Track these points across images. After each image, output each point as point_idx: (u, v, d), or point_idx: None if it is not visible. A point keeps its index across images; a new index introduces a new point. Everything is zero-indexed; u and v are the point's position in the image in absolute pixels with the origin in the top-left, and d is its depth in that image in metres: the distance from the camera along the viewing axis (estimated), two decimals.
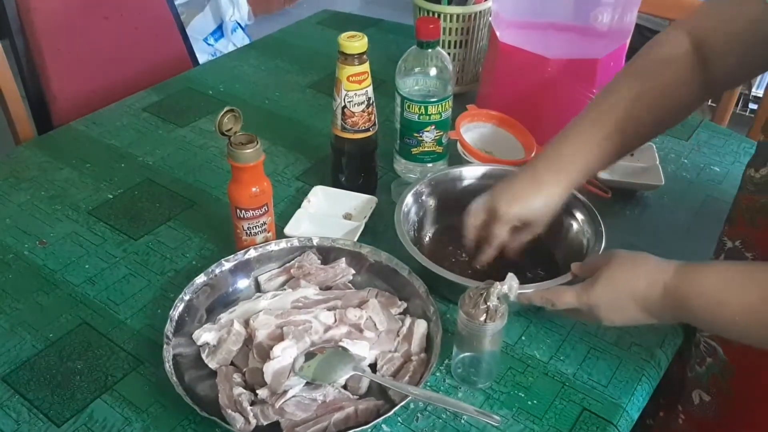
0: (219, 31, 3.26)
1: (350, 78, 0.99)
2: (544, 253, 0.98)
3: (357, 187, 1.08)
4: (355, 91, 1.00)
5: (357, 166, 1.08)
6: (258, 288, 0.92)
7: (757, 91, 2.69)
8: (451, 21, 1.26)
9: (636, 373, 0.84)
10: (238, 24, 3.29)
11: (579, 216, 0.96)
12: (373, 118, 1.04)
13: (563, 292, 0.80)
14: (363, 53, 0.98)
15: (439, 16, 1.26)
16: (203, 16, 3.19)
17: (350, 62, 0.99)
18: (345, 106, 1.02)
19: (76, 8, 1.54)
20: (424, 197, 1.01)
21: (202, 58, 2.55)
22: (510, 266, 0.94)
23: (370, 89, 1.01)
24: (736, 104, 2.39)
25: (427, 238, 1.02)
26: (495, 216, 0.88)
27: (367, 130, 1.04)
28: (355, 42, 0.98)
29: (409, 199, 0.98)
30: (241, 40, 3.27)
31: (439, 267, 0.87)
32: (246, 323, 0.84)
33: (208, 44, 3.20)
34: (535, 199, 0.87)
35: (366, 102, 1.02)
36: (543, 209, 0.88)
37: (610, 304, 0.77)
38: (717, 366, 0.87)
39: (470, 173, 1.03)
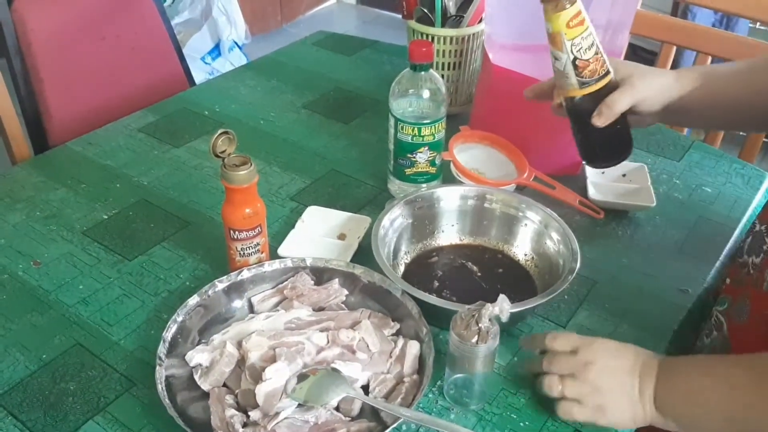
0: (216, 50, 3.27)
1: (570, 24, 0.86)
2: (521, 275, 1.00)
3: (617, 154, 0.98)
4: (581, 34, 0.87)
5: (613, 123, 0.93)
6: (251, 309, 0.92)
7: None
8: (444, 43, 1.27)
9: None
10: (235, 43, 3.31)
11: (555, 236, 0.97)
12: (605, 58, 0.91)
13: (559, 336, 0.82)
14: None
15: (432, 38, 1.27)
16: (200, 35, 3.20)
17: (561, 6, 0.86)
18: (576, 58, 0.88)
19: (73, 29, 1.56)
20: (401, 219, 1.02)
21: (199, 76, 2.57)
22: (488, 289, 0.97)
23: (592, 27, 0.88)
24: None
25: (408, 260, 1.03)
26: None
27: (607, 72, 0.91)
28: None
29: (386, 221, 0.99)
30: (238, 59, 3.28)
31: (422, 292, 0.88)
32: (239, 344, 0.84)
33: (206, 63, 3.22)
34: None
35: (594, 43, 0.89)
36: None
37: (610, 352, 0.79)
38: (719, 340, 0.88)
39: (445, 194, 1.04)
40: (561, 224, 0.97)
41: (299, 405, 0.77)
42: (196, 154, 1.28)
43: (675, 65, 1.70)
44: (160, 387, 0.77)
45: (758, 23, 2.46)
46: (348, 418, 0.78)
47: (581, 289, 0.97)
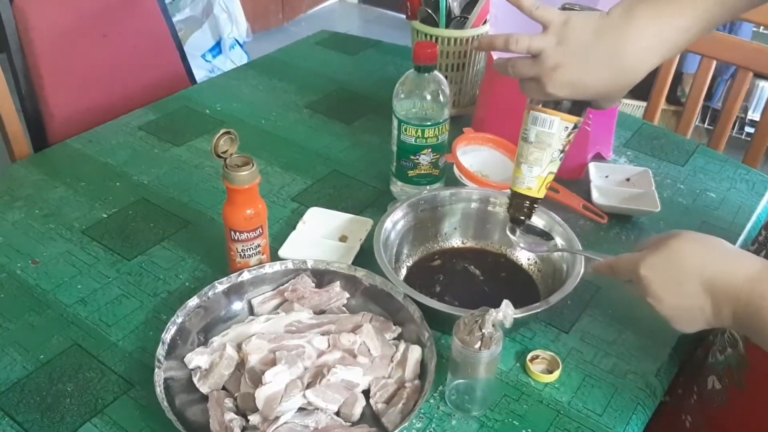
0: (217, 48, 3.26)
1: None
2: (524, 279, 0.99)
3: None
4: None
5: None
6: (251, 311, 0.91)
7: (754, 115, 2.70)
8: (448, 44, 1.27)
9: (631, 402, 0.83)
10: (236, 41, 3.30)
11: (558, 241, 0.97)
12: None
13: (625, 261, 0.73)
14: None
15: (436, 39, 1.26)
16: (201, 32, 3.20)
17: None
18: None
19: (74, 26, 1.55)
20: (404, 221, 1.01)
21: (200, 74, 2.55)
22: (491, 294, 0.96)
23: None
24: (733, 127, 2.40)
25: (410, 263, 1.02)
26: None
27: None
28: None
29: (388, 224, 0.98)
30: (239, 57, 3.27)
31: (425, 296, 0.87)
32: (238, 347, 0.83)
33: (206, 60, 3.21)
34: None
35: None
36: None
37: (668, 278, 0.68)
38: (734, 358, 0.86)
39: (448, 196, 1.04)
40: (565, 228, 0.97)
41: (299, 409, 0.77)
42: (197, 153, 1.27)
43: (678, 69, 1.70)
44: (159, 389, 0.77)
45: (761, 27, 2.46)
46: (348, 423, 0.78)
47: (585, 294, 0.96)
